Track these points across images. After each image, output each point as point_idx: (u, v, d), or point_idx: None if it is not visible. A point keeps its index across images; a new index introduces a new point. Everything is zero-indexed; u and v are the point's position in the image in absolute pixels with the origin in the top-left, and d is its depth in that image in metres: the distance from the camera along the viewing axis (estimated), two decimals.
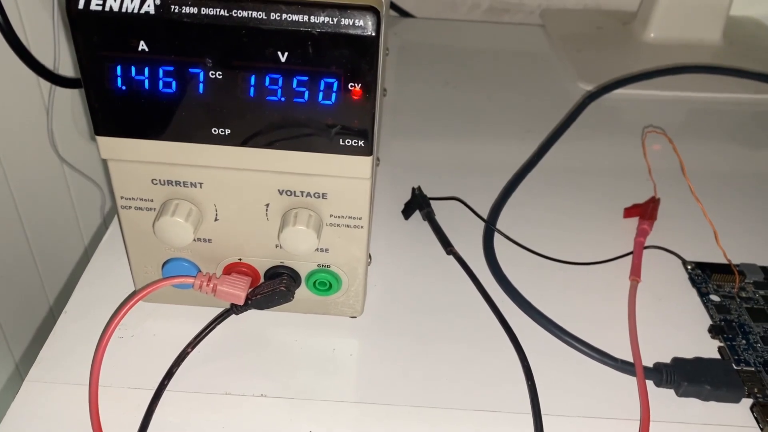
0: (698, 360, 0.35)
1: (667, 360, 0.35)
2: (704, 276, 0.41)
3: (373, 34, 0.27)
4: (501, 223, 0.44)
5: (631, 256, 0.41)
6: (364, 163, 0.30)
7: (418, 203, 0.44)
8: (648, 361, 0.35)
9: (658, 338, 0.37)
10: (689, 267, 0.41)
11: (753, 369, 0.35)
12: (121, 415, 0.32)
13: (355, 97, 0.28)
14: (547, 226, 0.44)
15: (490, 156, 0.51)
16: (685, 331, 0.38)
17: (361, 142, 0.29)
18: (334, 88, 0.28)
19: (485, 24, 0.72)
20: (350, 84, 0.28)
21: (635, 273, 0.40)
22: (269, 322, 0.37)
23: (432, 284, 0.40)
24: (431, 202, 0.44)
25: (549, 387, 0.34)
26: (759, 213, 0.47)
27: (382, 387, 0.34)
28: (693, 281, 0.41)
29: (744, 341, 0.37)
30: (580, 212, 0.46)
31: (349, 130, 0.29)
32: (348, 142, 0.29)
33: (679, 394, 0.34)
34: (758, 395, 0.34)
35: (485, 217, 0.44)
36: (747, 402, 0.34)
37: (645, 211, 0.44)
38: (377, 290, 0.39)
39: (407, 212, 0.45)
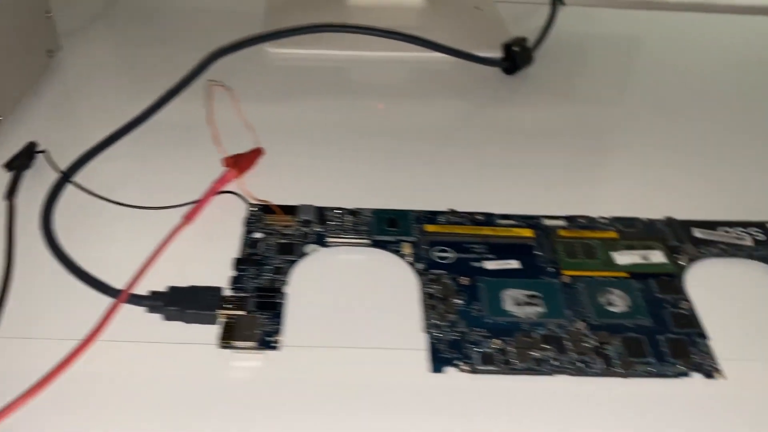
0: (192, 288, 0.39)
1: None
2: (258, 217, 0.45)
3: None
4: (91, 177, 0.47)
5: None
6: None
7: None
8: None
9: (183, 272, 0.40)
10: (251, 209, 0.45)
11: (245, 295, 0.39)
12: None
13: None
14: (144, 179, 0.48)
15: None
16: (216, 265, 0.41)
17: None
18: None
19: None
20: None
21: (189, 216, 0.44)
22: None
23: None
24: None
25: (38, 313, 0.38)
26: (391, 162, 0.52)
27: None
28: (247, 222, 0.45)
29: (256, 271, 0.41)
30: (178, 164, 0.50)
31: None
32: None
33: (165, 318, 0.38)
34: (230, 318, 0.38)
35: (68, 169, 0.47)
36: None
37: (236, 161, 0.48)
38: None
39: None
